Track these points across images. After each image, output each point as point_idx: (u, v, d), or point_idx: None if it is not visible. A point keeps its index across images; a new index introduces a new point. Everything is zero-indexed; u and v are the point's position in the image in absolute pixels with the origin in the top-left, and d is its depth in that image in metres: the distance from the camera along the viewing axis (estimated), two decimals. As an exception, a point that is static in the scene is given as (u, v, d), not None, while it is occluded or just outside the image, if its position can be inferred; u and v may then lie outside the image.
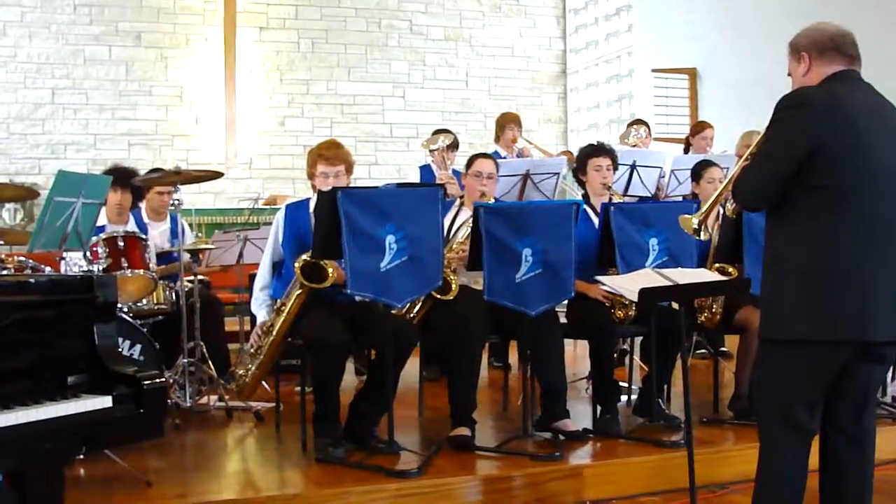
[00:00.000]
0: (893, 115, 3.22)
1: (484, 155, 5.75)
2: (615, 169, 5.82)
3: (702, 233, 3.87)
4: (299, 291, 4.71)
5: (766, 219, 3.27)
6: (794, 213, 3.12)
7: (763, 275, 3.25)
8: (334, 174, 4.94)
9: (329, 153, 5.00)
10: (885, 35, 8.16)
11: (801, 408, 3.16)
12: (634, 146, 8.08)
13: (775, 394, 3.21)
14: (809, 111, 3.08)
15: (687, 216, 3.83)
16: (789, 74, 3.36)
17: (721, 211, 5.74)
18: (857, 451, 3.26)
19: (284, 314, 4.79)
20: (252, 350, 4.99)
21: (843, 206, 3.06)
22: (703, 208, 3.88)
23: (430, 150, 7.59)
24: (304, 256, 4.60)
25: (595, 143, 5.96)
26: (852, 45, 3.25)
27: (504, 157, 7.67)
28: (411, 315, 5.18)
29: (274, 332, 4.85)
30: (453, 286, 5.05)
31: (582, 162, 5.76)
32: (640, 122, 8.73)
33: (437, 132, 7.77)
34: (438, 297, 5.01)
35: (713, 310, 5.35)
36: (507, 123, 8.34)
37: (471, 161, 5.64)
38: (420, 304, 5.17)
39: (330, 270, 4.58)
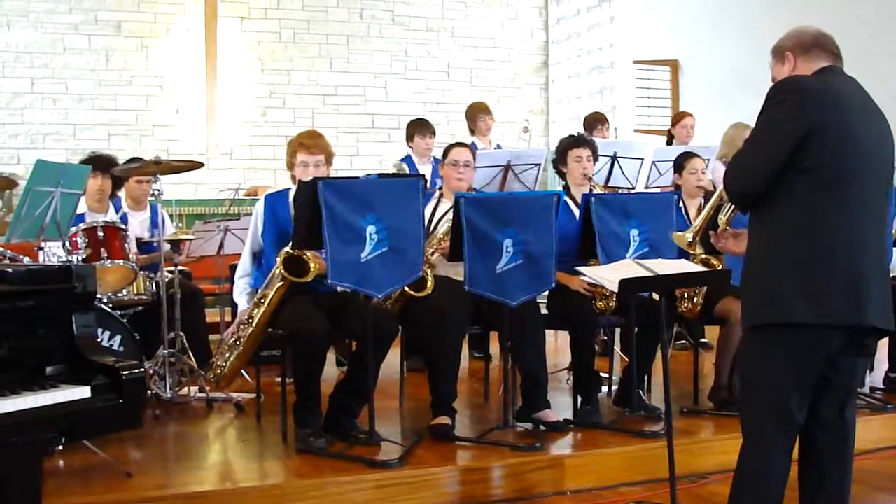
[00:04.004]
0: (876, 109, 3.25)
1: (460, 144, 5.73)
2: (596, 160, 5.83)
3: (697, 247, 3.79)
4: (280, 284, 4.70)
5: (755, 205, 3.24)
6: (788, 197, 3.10)
7: (750, 261, 3.23)
8: (314, 163, 4.92)
9: (309, 142, 4.98)
10: (862, 33, 8.19)
11: (793, 397, 3.12)
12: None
13: (766, 383, 3.16)
14: (802, 96, 3.08)
15: (680, 233, 3.77)
16: (773, 80, 3.35)
17: (701, 202, 5.77)
18: (839, 443, 3.26)
19: (265, 305, 4.78)
20: (231, 340, 4.98)
21: (837, 190, 3.05)
22: (697, 223, 3.78)
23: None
24: (287, 249, 4.59)
25: (575, 134, 5.96)
26: (834, 44, 3.30)
27: (483, 149, 7.65)
28: (387, 304, 5.16)
29: (254, 324, 4.84)
30: (429, 282, 5.02)
31: (562, 153, 5.75)
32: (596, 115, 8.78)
33: (413, 122, 7.83)
34: (413, 293, 5.00)
35: (694, 300, 5.37)
36: (476, 115, 8.30)
37: (447, 150, 5.62)
38: (394, 298, 5.15)
39: (312, 265, 4.57)
